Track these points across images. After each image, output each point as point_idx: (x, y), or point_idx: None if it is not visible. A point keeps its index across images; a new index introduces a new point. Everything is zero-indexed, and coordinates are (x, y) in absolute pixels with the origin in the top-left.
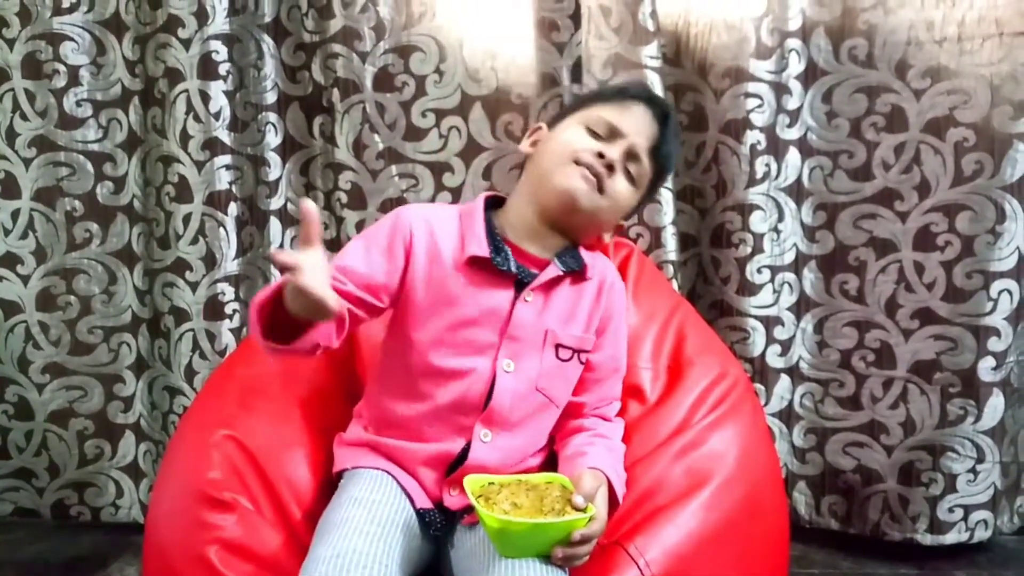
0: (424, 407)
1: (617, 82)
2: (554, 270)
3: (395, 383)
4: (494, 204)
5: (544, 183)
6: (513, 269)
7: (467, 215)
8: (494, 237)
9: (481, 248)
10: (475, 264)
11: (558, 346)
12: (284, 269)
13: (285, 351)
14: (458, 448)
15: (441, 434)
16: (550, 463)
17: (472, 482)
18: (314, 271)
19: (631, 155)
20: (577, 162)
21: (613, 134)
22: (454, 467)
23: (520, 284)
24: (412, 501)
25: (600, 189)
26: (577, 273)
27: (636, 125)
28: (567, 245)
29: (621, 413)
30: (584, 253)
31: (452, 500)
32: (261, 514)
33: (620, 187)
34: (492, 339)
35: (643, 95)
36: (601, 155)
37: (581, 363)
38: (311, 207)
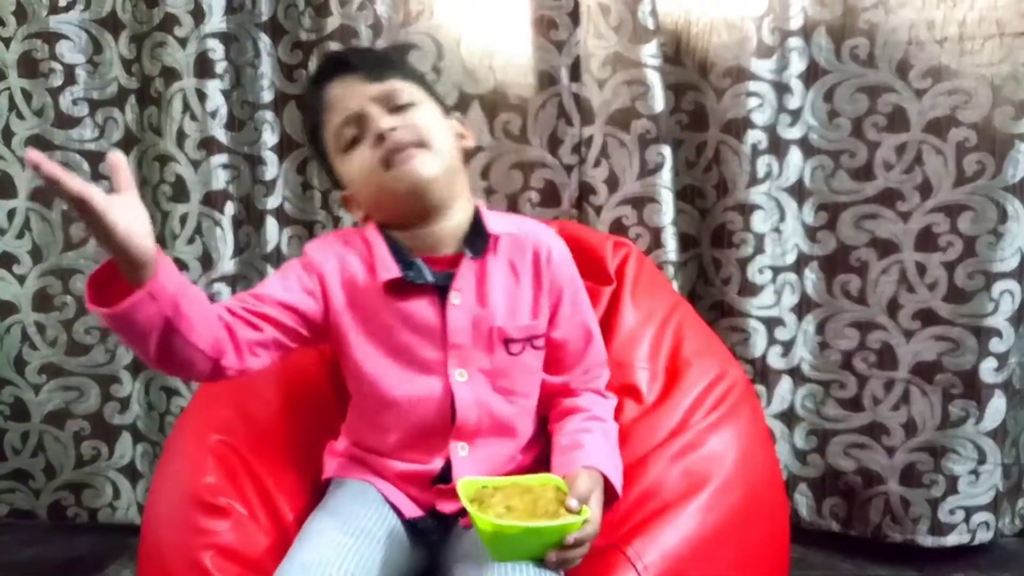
0: (394, 436)
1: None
2: (466, 261)
3: (363, 416)
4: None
5: (393, 204)
6: (429, 279)
7: (372, 241)
8: (401, 254)
9: (391, 270)
10: (392, 287)
11: (507, 341)
12: (73, 201)
13: (106, 315)
14: (438, 467)
15: (419, 457)
16: (543, 460)
17: (466, 485)
18: (123, 209)
19: (391, 109)
20: (384, 162)
21: (358, 125)
22: (440, 480)
23: (445, 290)
24: (400, 512)
25: (413, 144)
26: (495, 246)
27: (348, 97)
28: (465, 227)
29: (618, 413)
30: (490, 223)
31: (445, 505)
32: (255, 519)
33: (419, 119)
34: (436, 355)
35: (320, 82)
36: (381, 137)
37: (536, 349)
38: (119, 158)
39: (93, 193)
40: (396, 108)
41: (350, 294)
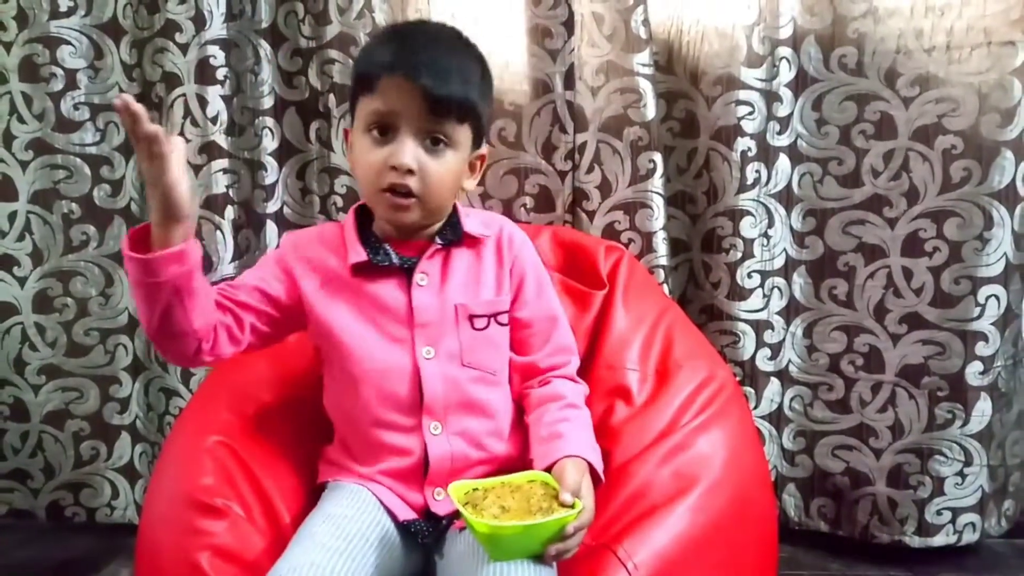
0: (368, 419)
1: (364, 53)
2: (434, 247)
3: (340, 405)
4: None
5: (375, 212)
6: (395, 261)
7: (345, 227)
8: (370, 239)
9: (359, 254)
10: (360, 270)
11: (471, 317)
12: (146, 139)
13: (138, 261)
14: (419, 452)
15: (398, 441)
16: (525, 451)
17: (456, 490)
18: (179, 163)
19: (422, 132)
20: (383, 189)
21: (389, 125)
22: (426, 470)
23: (411, 273)
24: (394, 515)
25: (419, 194)
26: (465, 241)
27: (400, 102)
28: (444, 223)
29: (608, 414)
30: (465, 220)
31: (439, 504)
32: (253, 521)
33: (435, 172)
34: (403, 333)
35: (386, 64)
36: (394, 167)
37: (501, 324)
38: (175, 118)
39: (163, 136)
40: (433, 140)
41: (320, 277)
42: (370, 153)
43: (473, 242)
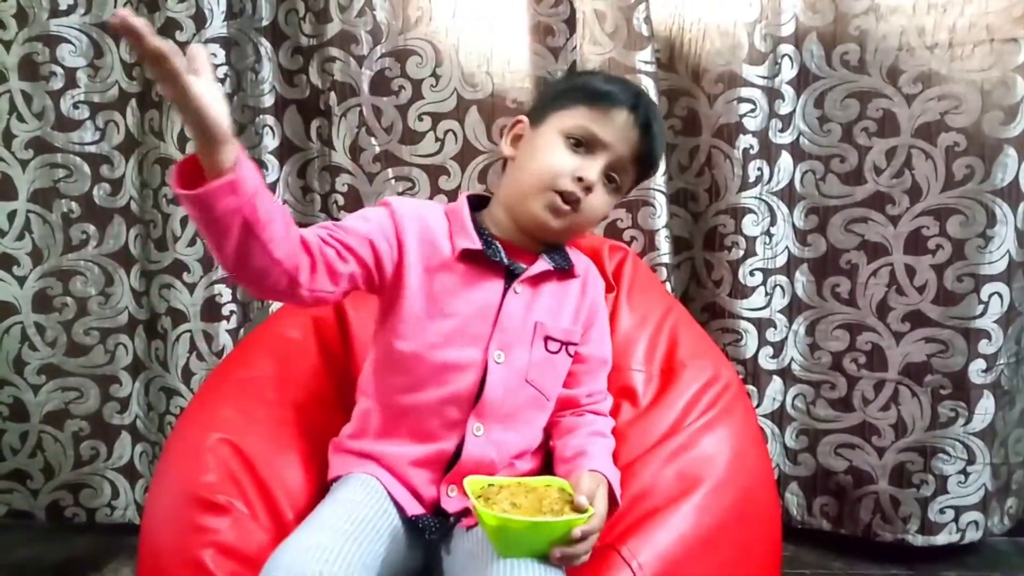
0: (419, 401)
1: (599, 76)
2: (543, 264)
3: (388, 381)
4: (478, 203)
5: (521, 204)
6: (504, 260)
7: (453, 212)
8: (482, 232)
9: (472, 242)
10: (466, 258)
11: (547, 338)
12: (154, 57)
13: (187, 197)
14: (452, 446)
15: (435, 432)
16: (546, 468)
17: (472, 483)
18: (202, 83)
19: (613, 167)
20: (555, 189)
21: (594, 144)
22: (450, 467)
23: (509, 277)
24: (403, 510)
25: (576, 210)
26: (564, 271)
27: (618, 135)
28: (551, 245)
29: (614, 415)
30: (570, 251)
31: (450, 501)
32: (256, 518)
33: (596, 203)
34: (483, 330)
35: (627, 101)
36: (580, 178)
37: (569, 355)
38: (199, 49)
39: (174, 53)
40: (609, 177)
41: (425, 252)
42: (560, 156)
43: (567, 275)
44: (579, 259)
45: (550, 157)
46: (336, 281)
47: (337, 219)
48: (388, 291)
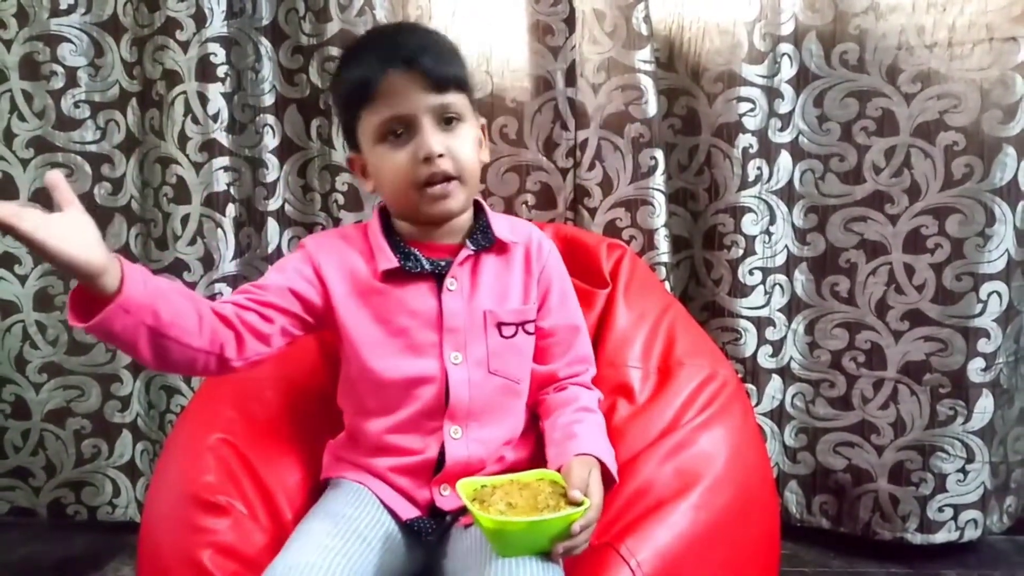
0: (389, 421)
1: (348, 67)
2: (466, 251)
3: (357, 404)
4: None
5: (413, 215)
6: (427, 267)
7: (371, 231)
8: (399, 244)
9: (389, 261)
10: (390, 275)
11: (500, 324)
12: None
13: (84, 329)
14: (435, 452)
15: (414, 443)
16: (539, 452)
17: (464, 486)
18: (62, 227)
19: (437, 115)
20: (418, 185)
21: (402, 123)
22: (437, 470)
23: (441, 278)
24: (396, 515)
25: (451, 178)
26: (494, 247)
27: (406, 96)
28: (468, 221)
29: (611, 412)
30: (495, 225)
31: (444, 500)
32: (255, 518)
33: (460, 148)
34: (432, 338)
35: (378, 67)
36: (426, 158)
37: (528, 334)
38: (56, 176)
39: (16, 220)
40: (446, 120)
41: (349, 282)
42: (394, 158)
43: (502, 248)
44: (516, 228)
45: (389, 165)
46: (267, 342)
47: (338, 218)
48: (329, 327)
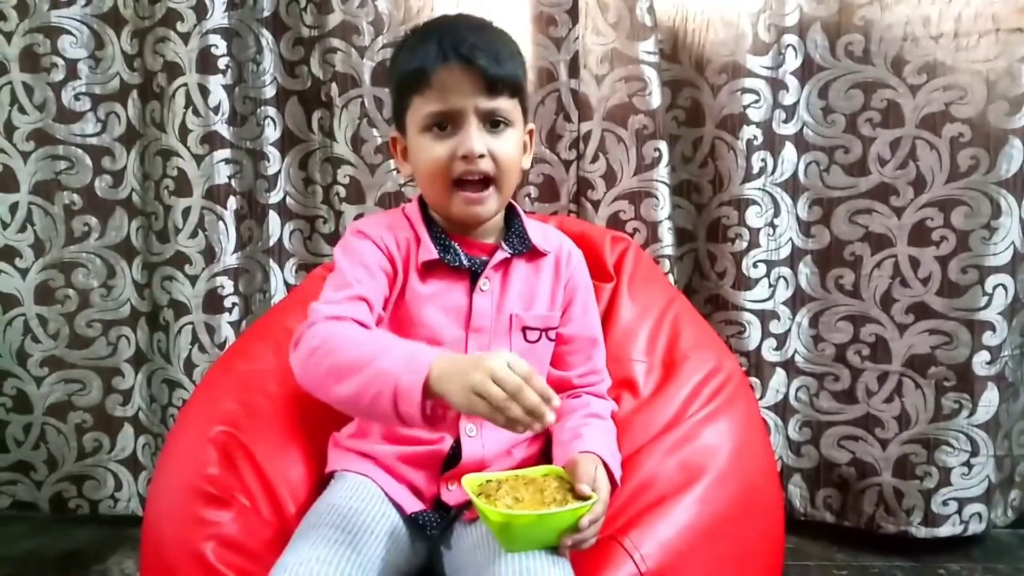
0: None
1: (405, 52)
2: (502, 254)
3: None
4: None
5: (444, 210)
6: (465, 263)
7: (413, 220)
8: (439, 236)
9: (430, 252)
10: (429, 267)
11: (524, 329)
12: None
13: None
14: (447, 446)
15: (427, 436)
16: (546, 451)
17: (470, 482)
18: None
19: (484, 116)
20: (453, 181)
21: (450, 118)
22: (449, 464)
23: (475, 275)
24: (401, 508)
25: (489, 182)
26: (529, 253)
27: (458, 92)
28: (501, 222)
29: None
30: (531, 230)
31: (450, 495)
32: (258, 511)
33: (502, 152)
34: (458, 334)
35: (436, 56)
36: (465, 156)
37: (550, 340)
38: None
39: None
40: (493, 123)
41: (402, 270)
42: (434, 150)
43: (535, 254)
44: (548, 236)
45: (428, 156)
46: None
47: (340, 211)
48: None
